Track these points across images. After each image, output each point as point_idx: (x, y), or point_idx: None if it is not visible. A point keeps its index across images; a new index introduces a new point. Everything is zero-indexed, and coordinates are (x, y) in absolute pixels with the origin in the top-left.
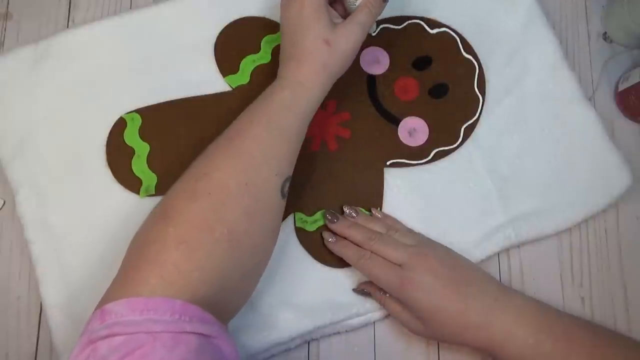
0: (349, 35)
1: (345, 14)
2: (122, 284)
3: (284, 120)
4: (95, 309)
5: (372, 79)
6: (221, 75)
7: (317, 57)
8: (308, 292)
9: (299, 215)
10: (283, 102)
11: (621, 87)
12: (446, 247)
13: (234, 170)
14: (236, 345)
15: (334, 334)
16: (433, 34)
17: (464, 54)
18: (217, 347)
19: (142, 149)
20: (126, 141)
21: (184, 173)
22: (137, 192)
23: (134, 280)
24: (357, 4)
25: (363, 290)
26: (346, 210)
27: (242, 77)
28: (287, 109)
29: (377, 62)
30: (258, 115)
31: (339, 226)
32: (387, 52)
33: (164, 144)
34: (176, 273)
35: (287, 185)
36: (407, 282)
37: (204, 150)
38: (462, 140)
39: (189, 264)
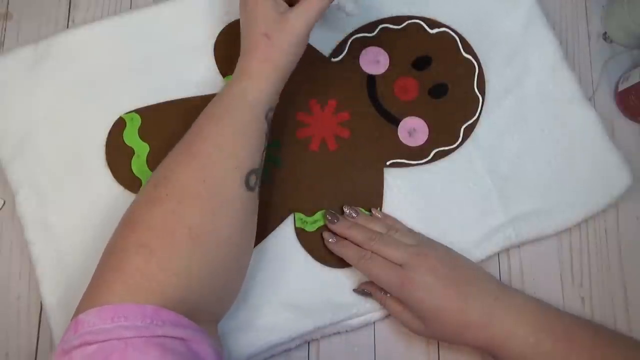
0: (292, 28)
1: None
2: (91, 295)
3: (236, 113)
4: (71, 320)
5: (372, 79)
6: (221, 75)
7: (259, 51)
8: (308, 292)
9: (299, 215)
10: (233, 95)
11: (621, 87)
12: (446, 246)
13: (190, 170)
14: (219, 347)
15: (334, 334)
16: (433, 34)
17: (464, 54)
18: (193, 349)
19: (141, 149)
20: (126, 141)
21: (147, 180)
22: (137, 192)
23: (101, 289)
24: None
25: (363, 290)
26: (346, 210)
27: None
28: (238, 101)
29: (377, 62)
30: (211, 111)
31: (339, 226)
32: (387, 52)
33: (164, 144)
34: (139, 277)
35: (254, 177)
36: (407, 282)
37: (166, 156)
38: (462, 140)
39: (151, 267)
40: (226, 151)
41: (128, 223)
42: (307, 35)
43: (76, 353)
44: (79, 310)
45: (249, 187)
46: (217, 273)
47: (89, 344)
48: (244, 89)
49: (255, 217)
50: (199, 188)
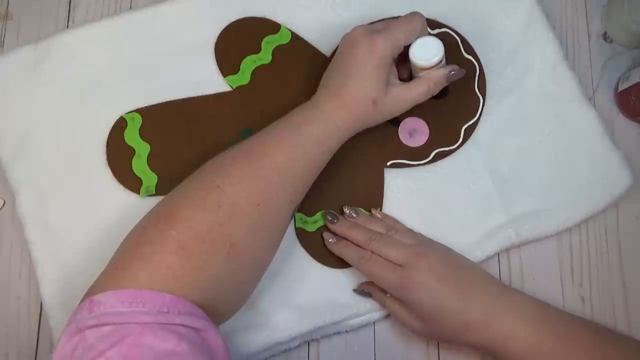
0: (397, 103)
1: (408, 78)
2: (111, 277)
3: (310, 152)
4: (83, 299)
5: None
6: (221, 76)
7: (360, 110)
8: (308, 292)
9: (299, 215)
10: (313, 134)
11: (621, 87)
12: (447, 247)
13: (249, 190)
14: (227, 342)
15: (334, 334)
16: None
17: (465, 54)
18: (206, 341)
19: (142, 148)
20: (126, 141)
21: (193, 177)
22: (138, 192)
23: (124, 274)
24: (420, 75)
25: (363, 290)
26: (346, 210)
27: (243, 77)
28: (315, 142)
29: None
30: (285, 140)
31: (339, 227)
32: None
33: (165, 143)
34: (169, 276)
35: (296, 209)
36: (407, 282)
37: (219, 157)
38: (462, 141)
39: (184, 270)
40: (288, 183)
41: (168, 216)
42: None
43: (90, 332)
44: (94, 290)
45: (290, 217)
46: (242, 286)
47: (105, 324)
48: (329, 135)
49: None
50: (252, 210)
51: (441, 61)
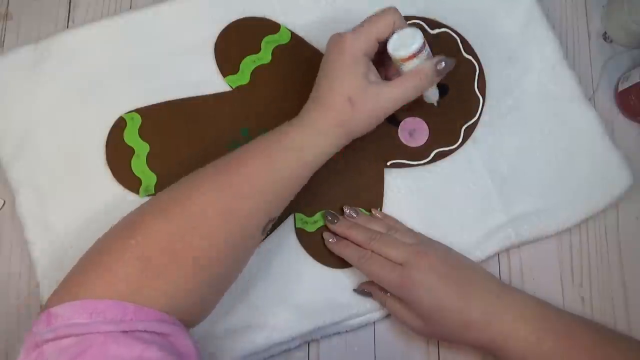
0: (380, 102)
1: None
2: (69, 287)
3: (287, 164)
4: (41, 312)
5: None
6: (221, 76)
7: (337, 112)
8: (308, 292)
9: (299, 215)
10: (291, 145)
11: (621, 87)
12: (447, 246)
13: (217, 198)
14: (198, 346)
15: (334, 334)
16: (433, 34)
17: (464, 54)
18: (175, 345)
19: (141, 148)
20: (126, 141)
21: (165, 189)
22: (137, 191)
23: (81, 284)
24: (405, 71)
25: (363, 290)
26: (346, 210)
27: (242, 77)
28: (293, 153)
29: None
30: (264, 152)
31: (339, 227)
32: None
33: (164, 143)
34: (128, 285)
35: (270, 224)
36: (408, 281)
37: (194, 172)
38: (462, 141)
39: (144, 280)
40: (262, 195)
41: (130, 226)
42: (392, 112)
43: (48, 347)
44: (52, 303)
45: (263, 232)
46: (205, 299)
47: (64, 337)
48: (306, 143)
49: (253, 253)
50: (220, 220)
51: (421, 50)
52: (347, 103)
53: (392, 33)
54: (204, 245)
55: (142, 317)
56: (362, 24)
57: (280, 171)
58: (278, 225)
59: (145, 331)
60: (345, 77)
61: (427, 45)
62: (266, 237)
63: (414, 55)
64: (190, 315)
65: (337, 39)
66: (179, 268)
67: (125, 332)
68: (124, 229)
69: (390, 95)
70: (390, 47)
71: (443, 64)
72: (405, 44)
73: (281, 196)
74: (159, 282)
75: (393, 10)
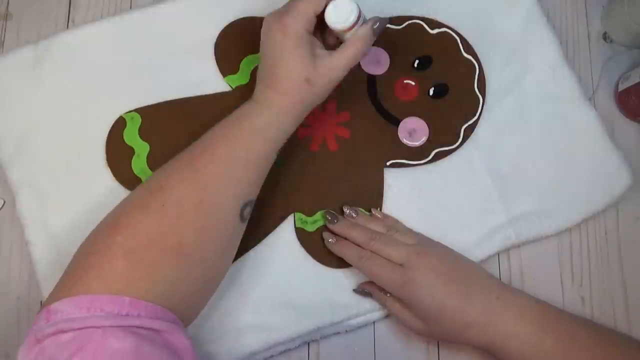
0: (332, 73)
1: (337, 42)
2: (65, 288)
3: (252, 145)
4: (40, 309)
5: (372, 79)
6: (221, 75)
7: (295, 93)
8: (308, 292)
9: (299, 215)
10: (253, 127)
11: (621, 87)
12: (447, 246)
13: (191, 187)
14: (191, 340)
15: (334, 334)
16: (433, 34)
17: (464, 54)
18: (169, 341)
19: (142, 148)
20: (126, 141)
21: (140, 184)
22: None
23: (77, 283)
24: (346, 37)
25: (363, 290)
26: (346, 210)
27: (242, 77)
28: (256, 134)
29: (378, 63)
30: (226, 136)
31: (339, 227)
32: (388, 53)
33: (164, 143)
34: (121, 281)
35: (248, 209)
36: (408, 281)
37: (166, 163)
38: (462, 141)
39: (135, 274)
40: (232, 179)
41: (114, 224)
42: (342, 78)
43: (49, 341)
44: (49, 302)
45: (242, 218)
46: (195, 290)
47: (64, 332)
48: (269, 123)
49: (238, 243)
50: (197, 208)
51: (359, 18)
52: (305, 84)
53: (326, 4)
54: (186, 233)
55: (138, 309)
56: (294, 2)
57: (249, 153)
58: (278, 225)
59: (142, 327)
60: (297, 59)
61: (360, 9)
62: (265, 237)
63: (354, 25)
64: (184, 307)
65: (275, 22)
66: (166, 258)
67: (123, 326)
68: (108, 228)
69: (340, 64)
70: (331, 20)
71: (378, 24)
72: (342, 15)
73: (250, 178)
74: (149, 274)
75: None
